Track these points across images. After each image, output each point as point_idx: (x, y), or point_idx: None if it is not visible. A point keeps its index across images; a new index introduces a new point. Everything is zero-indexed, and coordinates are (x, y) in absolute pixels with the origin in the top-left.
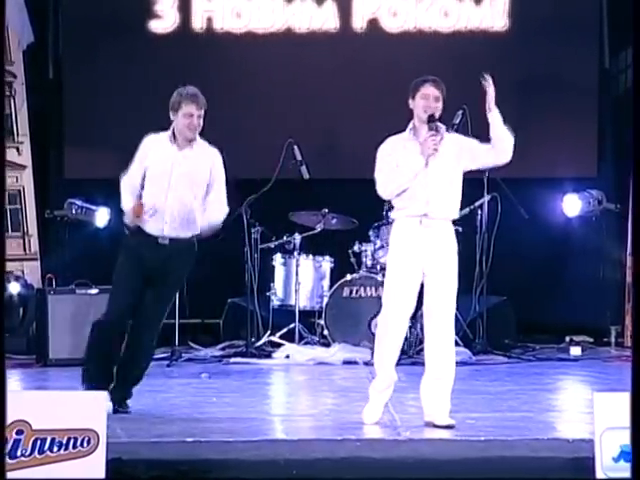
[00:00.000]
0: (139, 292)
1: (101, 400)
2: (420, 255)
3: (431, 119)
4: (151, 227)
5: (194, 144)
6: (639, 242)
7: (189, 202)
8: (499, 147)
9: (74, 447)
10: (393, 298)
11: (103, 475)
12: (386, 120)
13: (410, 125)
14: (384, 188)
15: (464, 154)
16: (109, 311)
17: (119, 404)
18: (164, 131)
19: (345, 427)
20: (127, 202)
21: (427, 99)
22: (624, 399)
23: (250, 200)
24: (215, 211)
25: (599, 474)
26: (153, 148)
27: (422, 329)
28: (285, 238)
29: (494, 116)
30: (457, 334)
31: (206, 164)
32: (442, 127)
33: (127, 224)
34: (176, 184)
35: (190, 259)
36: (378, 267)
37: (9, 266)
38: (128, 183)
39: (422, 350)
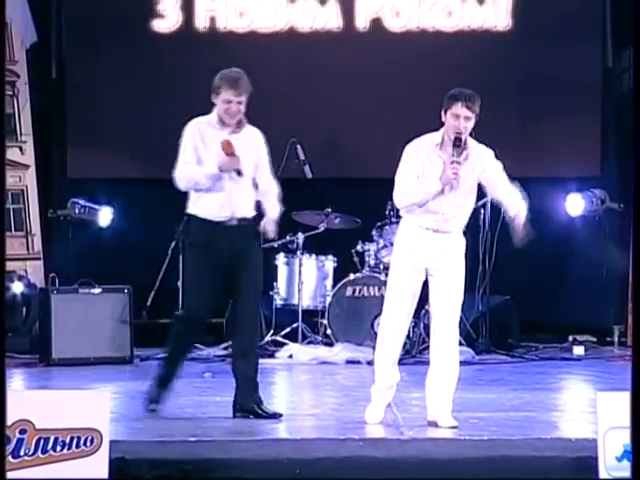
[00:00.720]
0: (221, 285)
1: (104, 400)
2: (425, 255)
3: (457, 143)
4: (218, 212)
5: (242, 127)
6: (639, 242)
7: (245, 183)
8: (509, 210)
9: (77, 446)
10: (395, 297)
11: (106, 475)
12: (389, 119)
13: (440, 135)
14: (399, 200)
15: (484, 177)
16: (191, 307)
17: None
18: (200, 116)
19: (348, 426)
20: (203, 170)
21: (457, 119)
22: (627, 399)
23: None
24: (274, 192)
25: (602, 474)
26: (203, 133)
27: (425, 328)
28: (288, 237)
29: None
30: (460, 334)
31: (254, 146)
32: (468, 149)
33: (216, 173)
34: (233, 177)
35: (258, 239)
36: (381, 266)
37: (12, 265)
38: (186, 169)
39: (425, 349)
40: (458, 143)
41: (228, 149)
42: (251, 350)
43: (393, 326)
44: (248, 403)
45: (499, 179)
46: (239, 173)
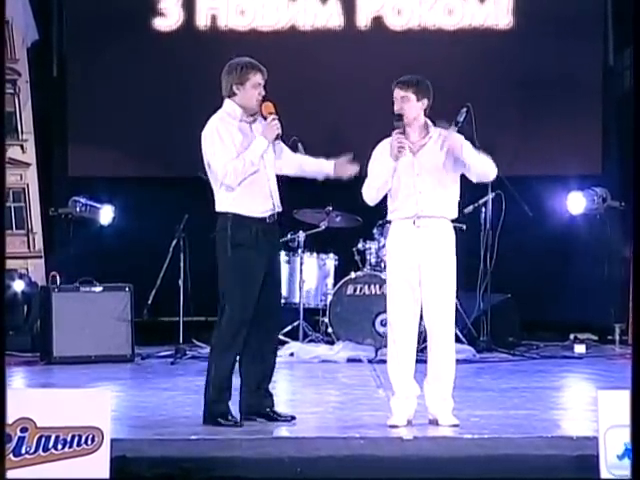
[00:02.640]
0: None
1: (105, 398)
2: (415, 255)
3: (398, 118)
4: (260, 208)
5: (257, 116)
6: (639, 240)
7: (273, 175)
8: (474, 172)
9: (78, 445)
10: (394, 297)
11: (107, 473)
12: (390, 118)
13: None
14: (365, 194)
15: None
16: (243, 308)
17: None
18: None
19: (349, 425)
20: (252, 149)
21: (396, 101)
22: (628, 397)
23: None
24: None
25: (603, 472)
26: (232, 130)
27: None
28: (289, 236)
29: (465, 154)
30: (461, 332)
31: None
32: (430, 131)
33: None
34: (269, 158)
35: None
36: (382, 265)
37: (13, 264)
38: (235, 161)
39: (425, 348)
40: (399, 118)
41: (268, 110)
42: (273, 355)
43: (401, 325)
44: (263, 407)
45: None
46: (277, 137)
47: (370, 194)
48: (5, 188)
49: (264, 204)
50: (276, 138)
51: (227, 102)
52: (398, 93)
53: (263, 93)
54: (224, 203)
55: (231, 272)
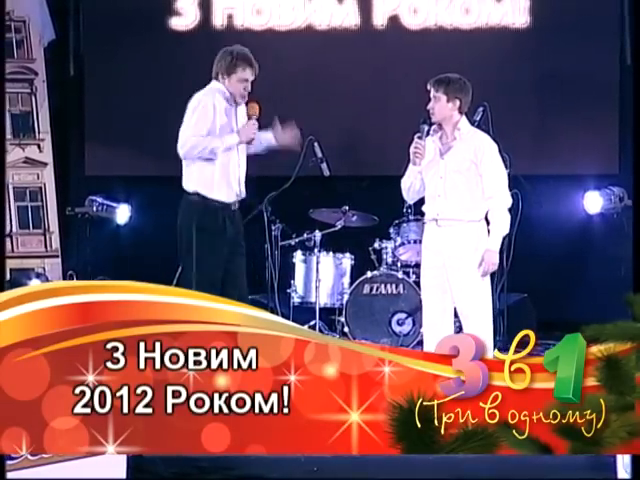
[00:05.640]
0: (224, 269)
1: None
2: (439, 256)
3: (424, 120)
4: (227, 192)
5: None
6: None
7: (245, 162)
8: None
9: None
10: (424, 296)
11: (124, 472)
12: (407, 117)
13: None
14: (403, 191)
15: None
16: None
17: None
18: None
19: None
20: (222, 140)
21: (431, 100)
22: None
23: (270, 197)
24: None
25: (620, 472)
26: (216, 106)
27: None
28: (305, 235)
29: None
30: None
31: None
32: (460, 131)
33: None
34: (239, 148)
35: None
36: (399, 264)
37: (30, 263)
38: (197, 138)
39: None
40: (422, 122)
41: (252, 111)
42: None
43: (432, 326)
44: None
45: (485, 185)
46: (250, 142)
47: (404, 194)
48: (5, 188)
49: (231, 189)
50: (249, 142)
51: (214, 82)
52: (431, 92)
53: (249, 89)
54: (192, 182)
55: (192, 254)
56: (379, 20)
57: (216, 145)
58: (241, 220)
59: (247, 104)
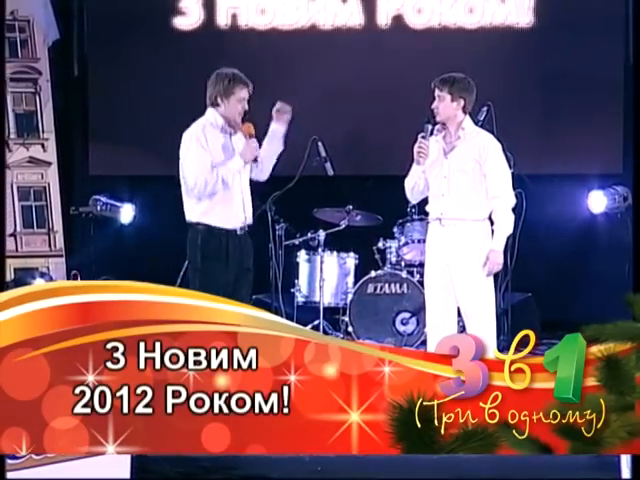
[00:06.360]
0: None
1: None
2: (442, 255)
3: (428, 119)
4: (232, 221)
5: (237, 128)
6: None
7: (248, 188)
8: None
9: None
10: (427, 295)
11: (128, 472)
12: (411, 117)
13: None
14: (406, 191)
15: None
16: None
17: None
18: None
19: None
20: (227, 166)
21: (434, 100)
22: None
23: (274, 197)
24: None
25: (624, 472)
26: (211, 139)
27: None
28: (309, 235)
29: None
30: None
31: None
32: (464, 131)
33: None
34: (244, 171)
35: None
36: (402, 264)
37: (34, 262)
38: (205, 176)
39: None
40: (426, 121)
41: (249, 131)
42: None
43: (436, 325)
44: None
45: (489, 185)
46: (255, 160)
47: (407, 194)
48: (5, 188)
49: (236, 217)
50: (254, 160)
51: (210, 111)
52: (435, 91)
53: (246, 108)
54: (195, 213)
55: (199, 284)
56: (383, 20)
57: (224, 173)
58: (249, 244)
59: (242, 126)
